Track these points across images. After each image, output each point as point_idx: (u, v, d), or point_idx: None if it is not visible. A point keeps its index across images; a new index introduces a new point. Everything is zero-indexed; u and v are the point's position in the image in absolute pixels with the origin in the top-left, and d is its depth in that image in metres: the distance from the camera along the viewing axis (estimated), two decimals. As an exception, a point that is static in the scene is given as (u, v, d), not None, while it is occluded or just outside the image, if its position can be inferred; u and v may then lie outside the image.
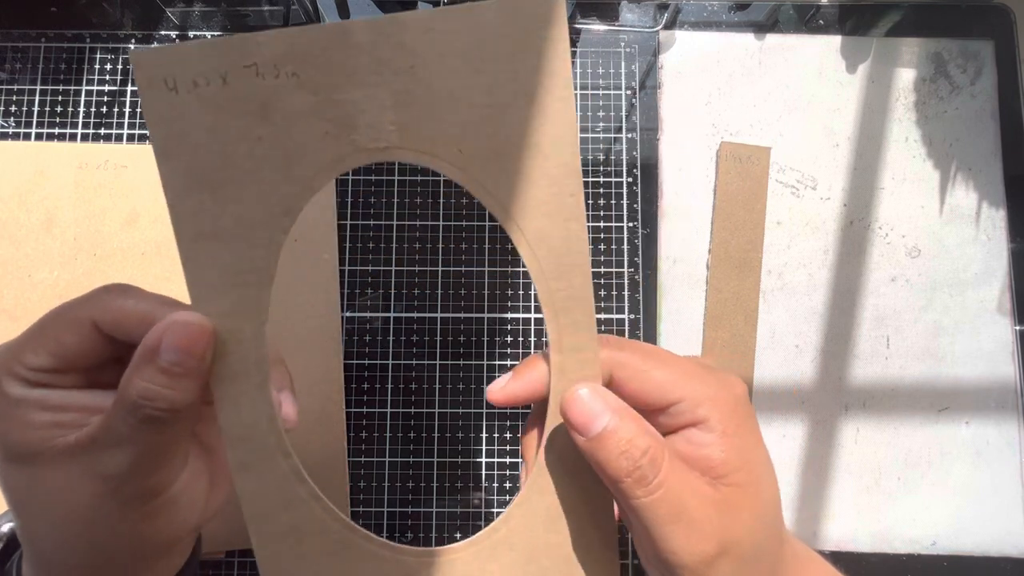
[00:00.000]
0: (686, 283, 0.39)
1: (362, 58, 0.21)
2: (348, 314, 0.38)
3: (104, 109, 0.40)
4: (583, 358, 0.24)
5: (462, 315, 0.38)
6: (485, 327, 0.38)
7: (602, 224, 0.39)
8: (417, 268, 0.39)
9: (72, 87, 0.40)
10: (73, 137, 0.40)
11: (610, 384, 0.25)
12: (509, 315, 0.38)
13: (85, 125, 0.40)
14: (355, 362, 0.38)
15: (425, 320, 0.38)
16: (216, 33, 0.41)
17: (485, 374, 0.38)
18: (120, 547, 0.23)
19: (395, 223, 0.39)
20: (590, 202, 0.40)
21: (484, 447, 0.37)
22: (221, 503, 0.26)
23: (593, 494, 0.25)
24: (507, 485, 0.38)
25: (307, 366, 0.37)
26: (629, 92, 0.41)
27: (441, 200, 0.39)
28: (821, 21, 0.42)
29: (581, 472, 0.25)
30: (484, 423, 0.38)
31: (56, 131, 0.40)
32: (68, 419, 0.22)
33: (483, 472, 0.37)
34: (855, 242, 0.39)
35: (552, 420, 0.25)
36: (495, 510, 0.37)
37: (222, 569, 0.36)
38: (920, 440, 0.38)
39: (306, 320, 0.37)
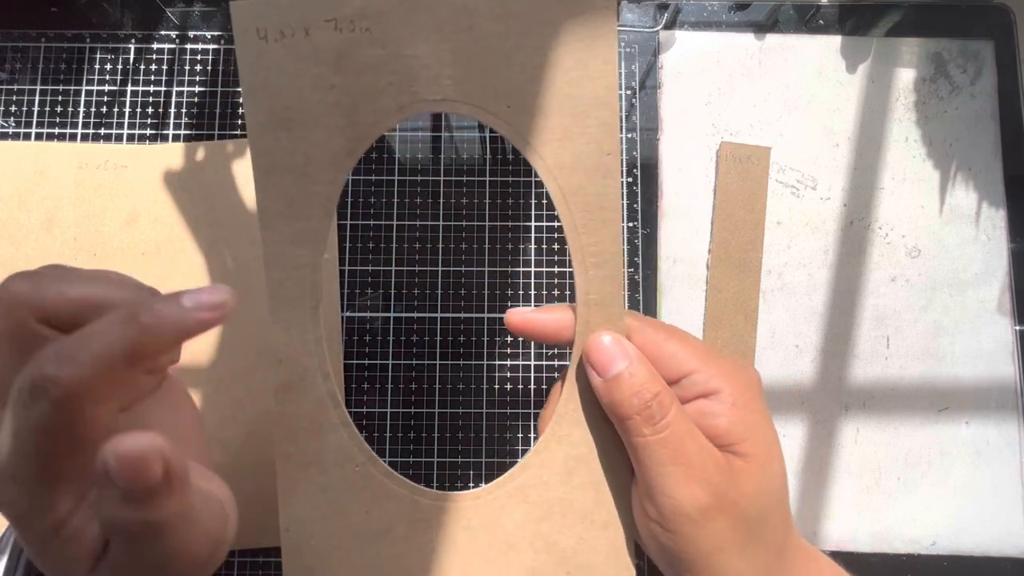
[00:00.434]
0: (686, 283, 0.39)
1: (427, 17, 0.23)
2: (348, 314, 0.38)
3: (104, 109, 0.40)
4: (609, 313, 0.25)
5: (462, 315, 0.38)
6: (485, 327, 0.38)
7: (602, 224, 0.39)
8: (417, 268, 0.39)
9: (72, 87, 0.41)
10: (73, 137, 0.40)
11: None
12: (509, 315, 0.38)
13: (85, 125, 0.40)
14: (355, 362, 0.38)
15: (425, 320, 0.38)
16: (216, 33, 0.41)
17: (485, 374, 0.38)
18: None
19: (395, 223, 0.39)
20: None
21: (484, 447, 0.37)
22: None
23: (611, 454, 0.26)
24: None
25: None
26: (629, 92, 0.41)
27: (441, 200, 0.39)
28: (821, 21, 0.42)
29: (599, 427, 0.26)
30: (484, 423, 0.38)
31: (56, 131, 0.40)
32: None
33: (483, 472, 0.37)
34: (855, 242, 0.39)
35: (574, 367, 0.26)
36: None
37: (222, 569, 0.36)
38: (920, 440, 0.38)
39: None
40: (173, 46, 0.41)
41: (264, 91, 0.24)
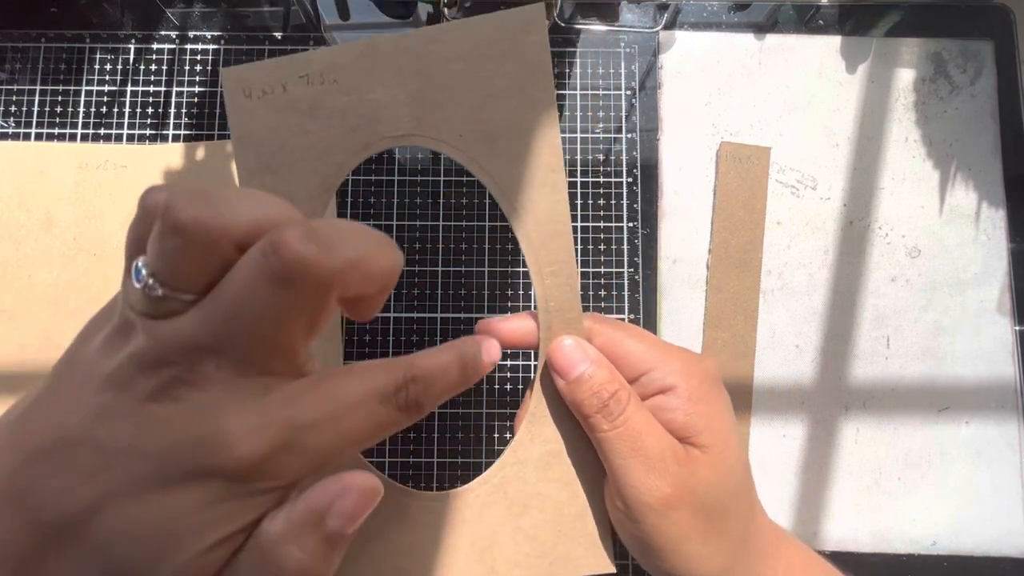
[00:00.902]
0: (686, 283, 0.39)
1: (385, 65, 0.26)
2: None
3: (104, 109, 0.40)
4: (568, 318, 0.28)
5: (462, 315, 0.38)
6: (485, 327, 0.38)
7: (602, 224, 0.39)
8: (417, 268, 0.39)
9: (72, 87, 0.41)
10: (73, 137, 0.40)
11: None
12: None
13: (85, 125, 0.40)
14: (355, 362, 0.38)
15: (425, 320, 0.38)
16: (216, 34, 0.41)
17: (484, 374, 0.38)
18: None
19: (395, 223, 0.39)
20: (590, 202, 0.40)
21: (484, 447, 0.37)
22: None
23: (581, 450, 0.28)
24: (507, 485, 0.37)
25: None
26: (629, 92, 0.41)
27: (441, 200, 0.39)
28: (821, 21, 0.42)
29: (568, 425, 0.28)
30: (484, 423, 0.38)
31: (56, 131, 0.40)
32: None
33: (483, 472, 0.37)
34: (855, 242, 0.39)
35: (540, 370, 0.28)
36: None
37: (222, 569, 0.36)
38: (920, 440, 0.38)
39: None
40: (173, 46, 0.41)
41: (251, 141, 0.26)
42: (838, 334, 0.39)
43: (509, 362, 0.38)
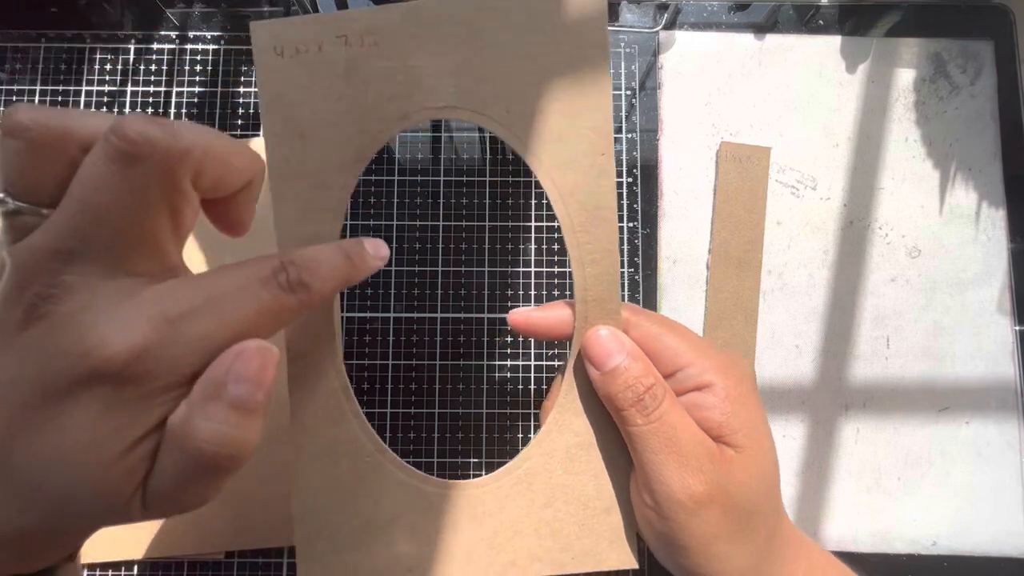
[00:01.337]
0: (686, 283, 0.39)
1: (431, 31, 0.25)
2: (348, 314, 0.38)
3: (104, 109, 0.40)
4: (605, 307, 0.27)
5: (462, 315, 0.38)
6: (485, 327, 0.38)
7: (602, 224, 0.39)
8: (417, 268, 0.39)
9: (72, 87, 0.41)
10: (73, 137, 0.40)
11: None
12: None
13: (85, 125, 0.40)
14: (355, 362, 0.38)
15: (425, 320, 0.38)
16: (216, 34, 0.41)
17: (485, 374, 0.38)
18: (87, 508, 0.19)
19: (395, 223, 0.39)
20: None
21: (484, 447, 0.37)
22: None
23: (610, 444, 0.27)
24: (507, 485, 0.37)
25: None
26: (629, 92, 0.41)
27: (441, 200, 0.39)
28: (821, 21, 0.42)
29: (598, 417, 0.27)
30: (484, 423, 0.38)
31: (56, 131, 0.40)
32: None
33: (483, 473, 0.37)
34: (855, 242, 0.39)
35: (573, 361, 0.27)
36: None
37: (222, 569, 0.36)
38: (920, 440, 0.38)
39: (306, 320, 0.37)
40: (173, 46, 0.41)
41: (280, 103, 0.25)
42: (838, 334, 0.39)
43: (510, 362, 0.38)
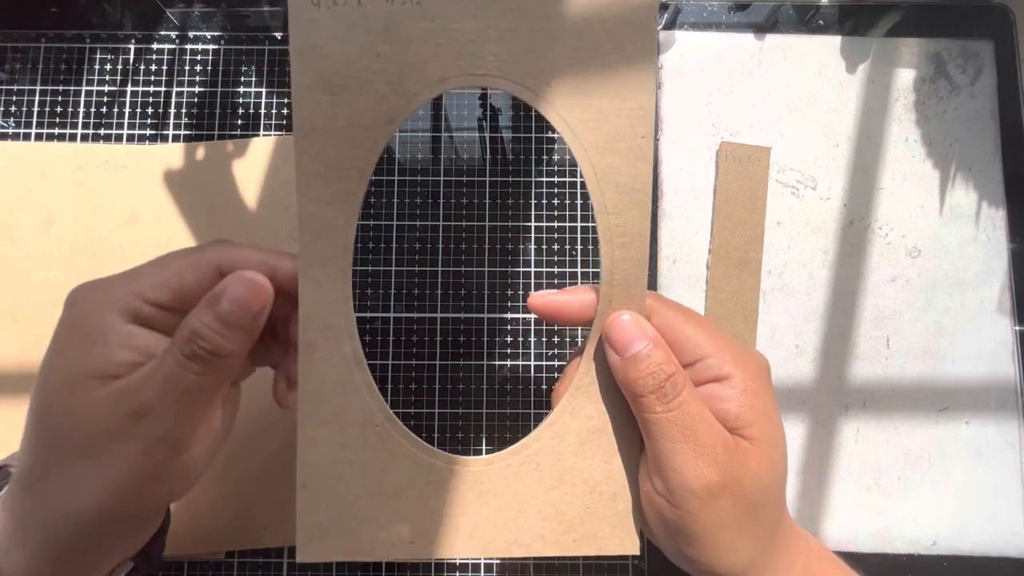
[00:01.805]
0: (686, 283, 0.39)
1: None
2: (348, 314, 0.38)
3: (104, 109, 0.40)
4: (631, 292, 0.26)
5: (462, 315, 0.38)
6: (485, 327, 0.38)
7: (602, 224, 0.39)
8: (417, 268, 0.39)
9: (72, 87, 0.41)
10: (73, 137, 0.40)
11: None
12: (509, 315, 0.38)
13: (85, 125, 0.40)
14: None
15: (425, 320, 0.38)
16: (216, 33, 0.41)
17: (485, 374, 0.38)
18: (136, 496, 0.24)
19: (395, 223, 0.39)
20: (590, 202, 0.39)
21: (484, 447, 0.37)
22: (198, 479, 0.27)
23: (623, 429, 0.27)
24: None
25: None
26: (629, 92, 0.41)
27: (441, 200, 0.39)
28: (821, 21, 0.42)
29: (614, 403, 0.27)
30: (484, 423, 0.38)
31: (56, 131, 0.40)
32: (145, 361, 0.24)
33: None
34: (855, 242, 0.39)
35: (593, 344, 0.27)
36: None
37: (222, 569, 0.36)
38: (920, 440, 0.38)
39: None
40: (173, 46, 0.41)
41: (312, 55, 0.24)
42: (838, 334, 0.39)
43: (510, 362, 0.38)
